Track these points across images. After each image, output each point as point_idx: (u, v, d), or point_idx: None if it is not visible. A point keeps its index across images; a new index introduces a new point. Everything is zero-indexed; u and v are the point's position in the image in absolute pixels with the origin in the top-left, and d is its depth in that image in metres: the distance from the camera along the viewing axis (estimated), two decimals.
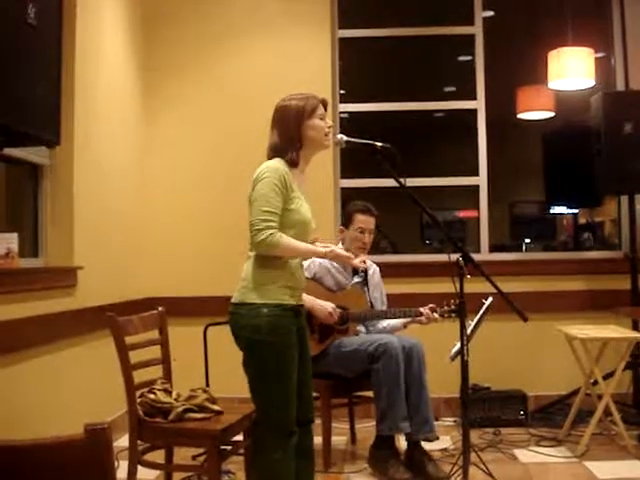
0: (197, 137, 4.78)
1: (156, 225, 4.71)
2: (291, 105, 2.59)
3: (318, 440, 3.10)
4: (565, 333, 3.89)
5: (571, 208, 6.68)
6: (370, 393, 3.52)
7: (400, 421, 3.33)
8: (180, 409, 2.74)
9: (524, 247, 7.12)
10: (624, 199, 4.62)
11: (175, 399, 2.81)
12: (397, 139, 3.04)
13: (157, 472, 3.22)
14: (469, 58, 4.98)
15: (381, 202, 4.03)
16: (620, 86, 4.82)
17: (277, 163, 2.53)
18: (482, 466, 3.23)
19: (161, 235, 4.72)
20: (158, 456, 2.90)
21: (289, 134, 2.56)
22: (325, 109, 2.65)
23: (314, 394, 2.79)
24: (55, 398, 3.30)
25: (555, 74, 4.39)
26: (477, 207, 4.88)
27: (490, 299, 3.22)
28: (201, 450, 3.32)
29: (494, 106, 4.93)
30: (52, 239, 3.58)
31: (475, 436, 3.89)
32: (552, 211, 7.35)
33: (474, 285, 2.87)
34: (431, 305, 3.54)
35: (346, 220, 3.76)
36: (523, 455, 3.69)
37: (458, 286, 2.88)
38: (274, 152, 2.58)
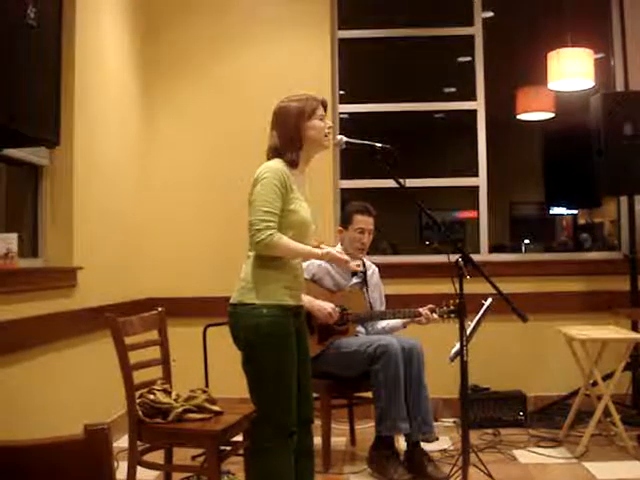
0: (197, 137, 4.78)
1: (156, 225, 4.72)
2: (291, 106, 2.59)
3: (318, 441, 3.10)
4: (564, 334, 3.89)
5: (570, 209, 6.70)
6: (370, 394, 3.52)
7: (400, 422, 3.34)
8: (179, 409, 2.74)
9: (523, 248, 7.13)
10: (623, 200, 4.63)
11: (175, 400, 2.80)
12: (397, 140, 3.05)
13: (157, 472, 3.22)
14: (469, 59, 4.98)
15: (381, 203, 4.03)
16: (620, 87, 4.82)
17: (277, 164, 2.53)
18: (481, 467, 3.23)
19: (160, 235, 4.72)
20: (158, 456, 2.90)
21: (289, 135, 2.56)
22: (325, 110, 2.65)
23: (314, 395, 2.79)
24: (55, 398, 3.30)
25: (555, 75, 4.39)
26: (477, 208, 4.88)
27: (489, 300, 3.22)
28: (201, 450, 3.32)
29: (494, 107, 4.93)
30: (52, 239, 3.58)
31: (475, 437, 3.88)
32: (552, 212, 7.37)
33: (473, 286, 2.87)
34: (430, 305, 3.54)
35: (345, 221, 3.77)
36: (522, 456, 3.70)
37: (457, 287, 2.88)
38: (274, 153, 2.58)
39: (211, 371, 3.79)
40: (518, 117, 5.31)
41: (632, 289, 4.30)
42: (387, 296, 3.90)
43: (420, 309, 3.55)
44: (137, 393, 2.76)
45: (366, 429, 4.01)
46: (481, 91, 4.87)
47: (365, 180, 4.88)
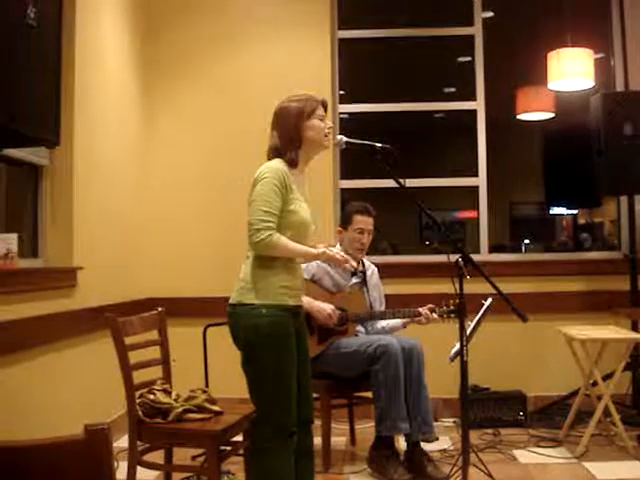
0: (197, 137, 4.78)
1: (156, 225, 4.72)
2: (291, 106, 2.60)
3: (318, 441, 3.10)
4: (564, 334, 3.89)
5: (570, 209, 6.70)
6: (370, 394, 3.52)
7: (400, 422, 3.34)
8: (179, 410, 2.74)
9: (523, 248, 7.13)
10: (623, 200, 4.63)
11: (175, 400, 2.80)
12: (397, 140, 3.05)
13: (156, 472, 3.22)
14: (469, 59, 4.98)
15: (381, 203, 4.03)
16: (620, 87, 4.82)
17: (277, 163, 2.53)
18: (481, 467, 3.23)
19: (160, 235, 4.72)
20: (157, 457, 2.90)
21: (289, 135, 2.57)
22: (325, 110, 2.65)
23: (314, 395, 2.79)
24: (55, 398, 3.30)
25: (555, 75, 4.39)
26: (477, 208, 4.88)
27: (489, 300, 3.22)
28: (201, 450, 3.32)
29: (494, 107, 4.93)
30: (52, 239, 3.58)
31: (475, 437, 3.88)
32: (551, 212, 7.37)
33: (473, 286, 2.87)
34: (430, 305, 3.54)
35: (345, 221, 3.77)
36: (522, 456, 3.69)
37: (457, 287, 2.88)
38: (275, 153, 2.58)
39: (211, 371, 3.80)
40: (518, 117, 5.31)
41: (632, 289, 4.30)
42: (387, 296, 3.90)
43: (420, 309, 3.55)
44: (137, 393, 2.76)
45: (366, 429, 4.01)
46: (481, 91, 4.87)
47: (365, 180, 4.88)
